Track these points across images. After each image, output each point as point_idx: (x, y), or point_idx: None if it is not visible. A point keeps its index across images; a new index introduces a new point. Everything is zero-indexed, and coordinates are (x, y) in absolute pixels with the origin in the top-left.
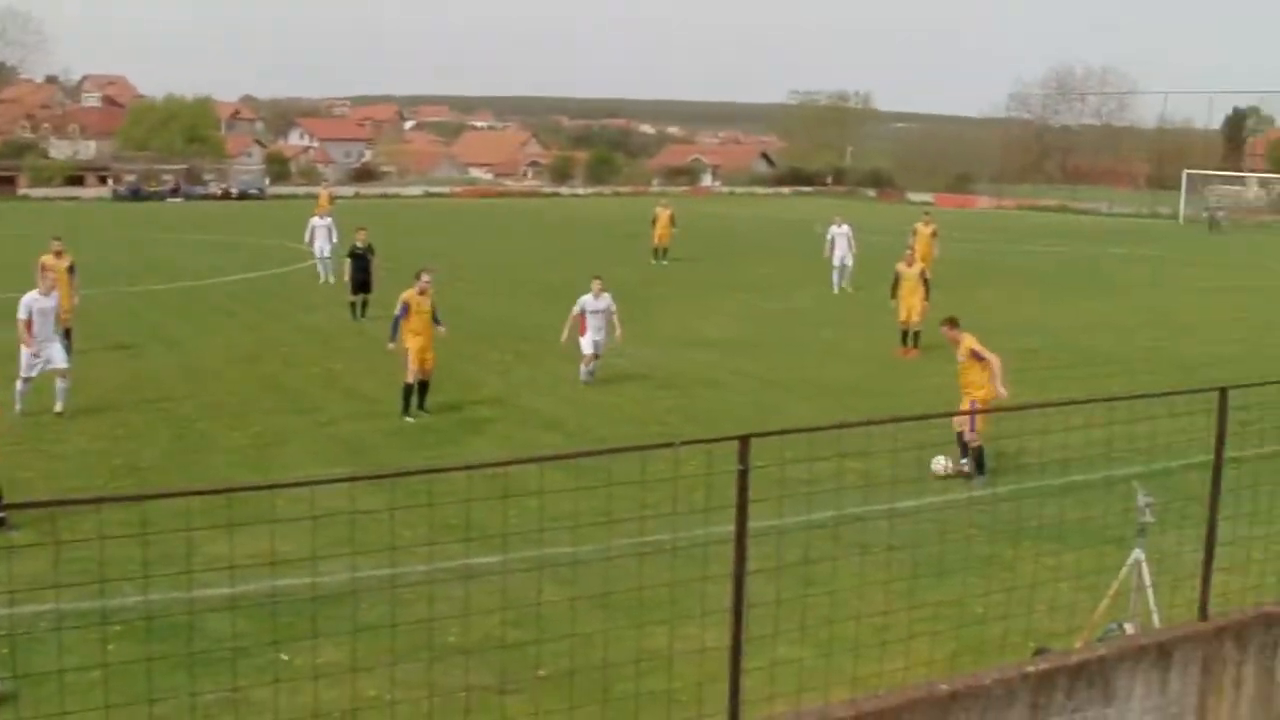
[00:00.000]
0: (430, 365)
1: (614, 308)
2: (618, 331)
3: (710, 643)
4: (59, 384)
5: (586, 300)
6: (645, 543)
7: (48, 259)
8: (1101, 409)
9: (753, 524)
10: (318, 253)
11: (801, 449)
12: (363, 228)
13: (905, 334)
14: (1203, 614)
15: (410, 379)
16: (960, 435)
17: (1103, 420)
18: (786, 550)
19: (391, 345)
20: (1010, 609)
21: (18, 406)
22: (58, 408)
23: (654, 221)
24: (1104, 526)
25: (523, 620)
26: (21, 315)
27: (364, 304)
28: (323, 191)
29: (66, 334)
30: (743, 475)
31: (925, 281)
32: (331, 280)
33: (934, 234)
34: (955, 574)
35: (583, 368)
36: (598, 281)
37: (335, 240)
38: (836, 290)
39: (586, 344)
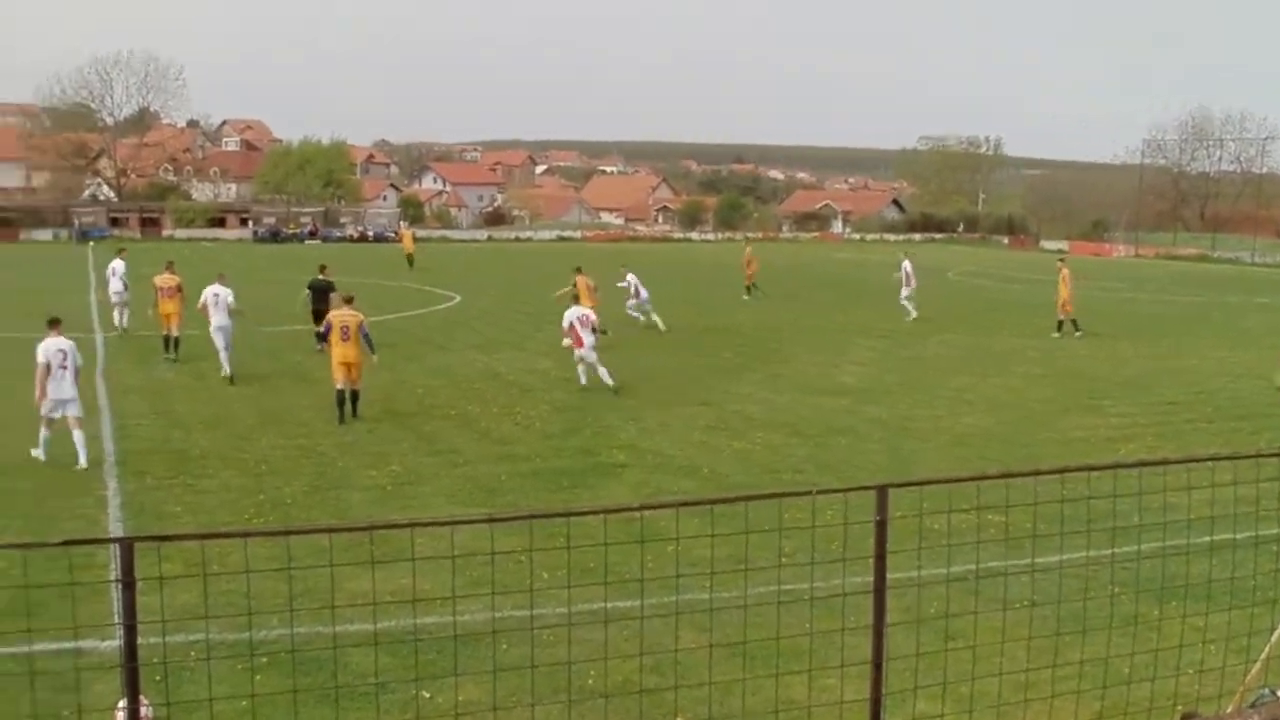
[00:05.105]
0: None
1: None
2: None
3: (849, 695)
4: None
5: None
6: (783, 591)
7: None
8: (1248, 465)
9: (891, 575)
10: None
11: (939, 500)
12: (325, 265)
13: None
14: None
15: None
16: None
17: (1251, 477)
18: (925, 603)
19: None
20: (1157, 670)
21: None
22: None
23: (746, 263)
24: (1254, 588)
25: (660, 665)
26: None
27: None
28: (404, 231)
29: None
30: (881, 526)
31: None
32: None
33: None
34: (1099, 632)
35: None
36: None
37: None
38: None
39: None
